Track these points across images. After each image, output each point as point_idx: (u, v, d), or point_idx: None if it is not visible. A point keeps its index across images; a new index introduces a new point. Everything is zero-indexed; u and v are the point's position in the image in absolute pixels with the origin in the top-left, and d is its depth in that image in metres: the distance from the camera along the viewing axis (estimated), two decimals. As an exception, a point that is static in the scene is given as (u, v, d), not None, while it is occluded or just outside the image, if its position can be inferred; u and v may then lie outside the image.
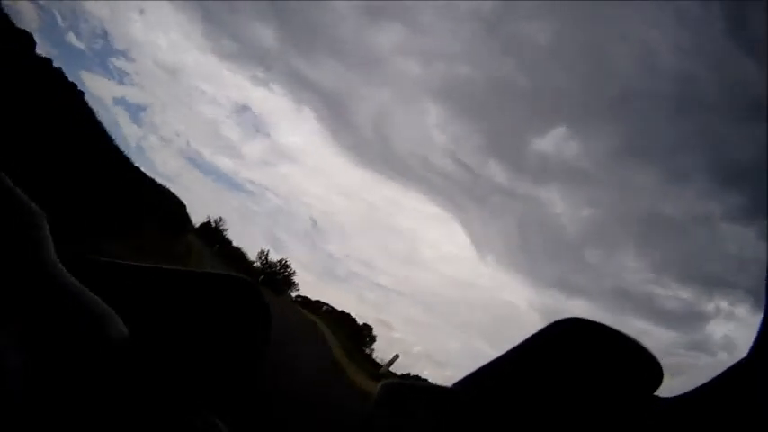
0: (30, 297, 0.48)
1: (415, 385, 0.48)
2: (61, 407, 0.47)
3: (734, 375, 0.46)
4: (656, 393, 0.46)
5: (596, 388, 0.46)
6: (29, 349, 0.47)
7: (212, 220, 39.50)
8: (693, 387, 0.47)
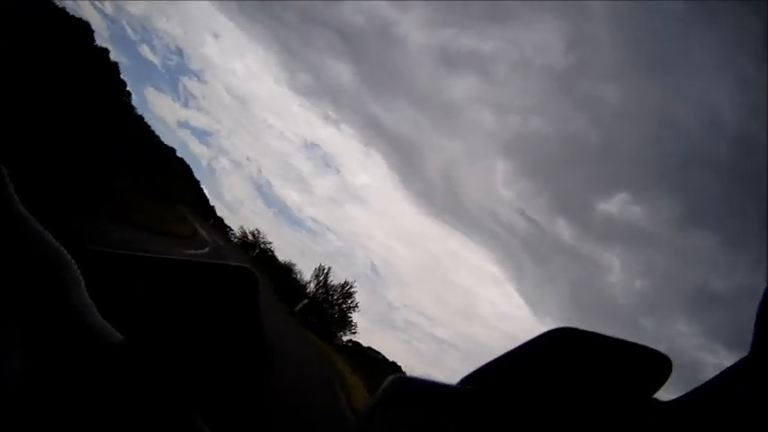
0: (30, 297, 0.48)
1: (421, 381, 0.48)
2: (59, 407, 0.47)
3: (733, 375, 0.46)
4: (655, 396, 0.46)
5: (592, 391, 0.46)
6: (29, 349, 0.47)
7: (248, 232, 39.23)
8: (693, 388, 0.47)
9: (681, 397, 0.47)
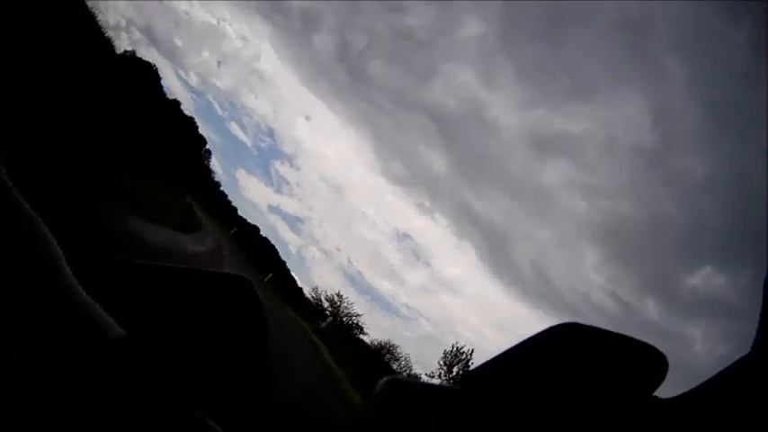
0: (30, 298, 0.48)
1: (415, 382, 0.48)
2: (59, 407, 0.47)
3: (734, 374, 0.46)
4: (657, 393, 0.46)
5: (593, 388, 0.46)
6: (29, 349, 0.47)
7: (325, 297, 32.69)
8: (695, 385, 0.47)
9: (682, 394, 0.47)
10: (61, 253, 0.51)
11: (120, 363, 0.50)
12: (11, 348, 0.45)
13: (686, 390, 0.47)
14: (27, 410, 0.45)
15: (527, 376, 0.46)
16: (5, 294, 0.47)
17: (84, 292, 0.51)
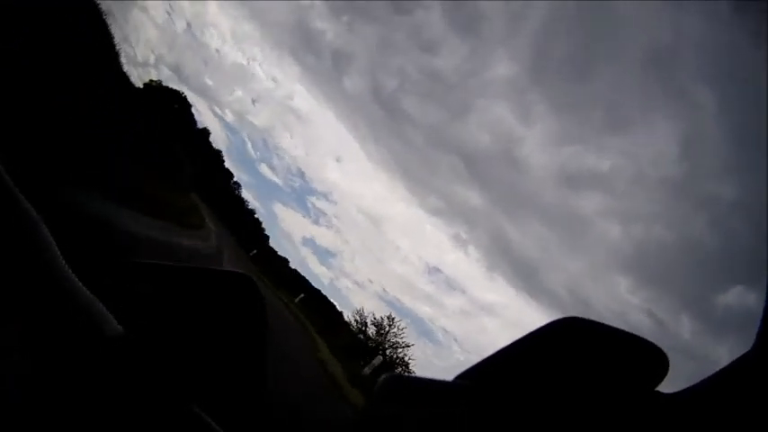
0: (29, 297, 0.48)
1: (416, 378, 0.48)
2: (59, 407, 0.47)
3: (736, 371, 0.46)
4: (659, 389, 0.46)
5: (595, 382, 0.45)
6: (29, 349, 0.47)
7: (372, 321, 29.43)
8: (696, 382, 0.47)
9: (683, 390, 0.47)
10: (59, 252, 0.51)
11: (118, 360, 0.50)
12: (11, 348, 0.45)
13: (687, 386, 0.47)
14: (27, 410, 0.45)
15: (528, 370, 0.46)
16: (5, 294, 0.47)
17: (84, 289, 0.51)
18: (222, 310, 0.64)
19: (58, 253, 0.51)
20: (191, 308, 0.64)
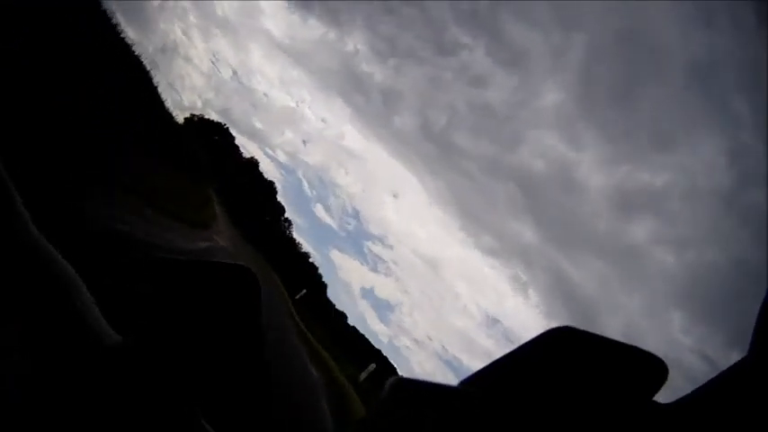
0: (29, 297, 0.48)
1: (421, 382, 0.48)
2: (58, 407, 0.47)
3: (732, 376, 0.46)
4: (655, 399, 0.46)
5: (592, 391, 0.46)
6: (28, 349, 0.47)
7: None
8: (693, 389, 0.47)
9: (680, 399, 0.47)
10: (57, 251, 0.51)
11: (117, 361, 0.50)
12: (11, 348, 0.46)
13: (684, 394, 0.47)
14: (26, 411, 0.45)
15: (527, 378, 0.46)
16: (5, 294, 0.47)
17: (84, 294, 0.51)
18: (219, 305, 0.63)
19: (56, 252, 0.51)
20: (187, 304, 0.63)
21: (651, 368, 0.46)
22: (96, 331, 0.50)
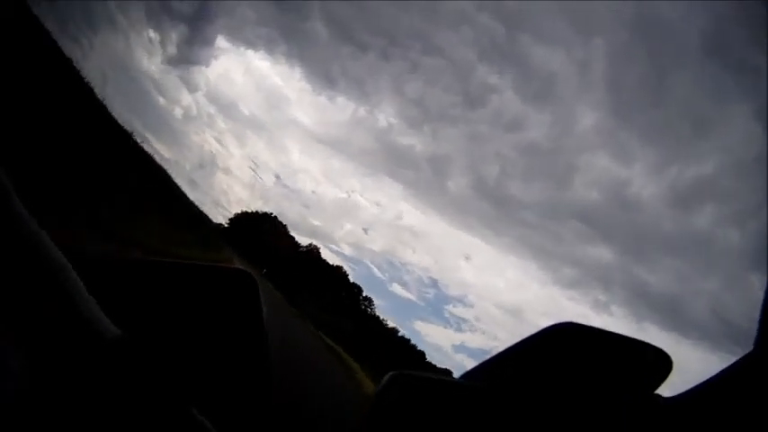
0: (27, 297, 0.48)
1: (421, 376, 0.47)
2: (57, 407, 0.47)
3: (737, 372, 0.46)
4: (659, 392, 0.46)
5: (595, 385, 0.46)
6: (27, 349, 0.47)
7: None
8: (697, 383, 0.47)
9: (684, 393, 0.47)
10: (59, 253, 0.51)
11: (115, 363, 0.50)
12: (10, 348, 0.45)
13: (689, 388, 0.47)
14: (24, 410, 0.45)
15: (530, 372, 0.46)
16: (4, 294, 0.47)
17: (83, 290, 0.51)
18: (218, 308, 0.63)
19: (59, 253, 0.51)
20: (187, 307, 0.63)
21: (654, 361, 0.46)
22: (96, 326, 0.50)
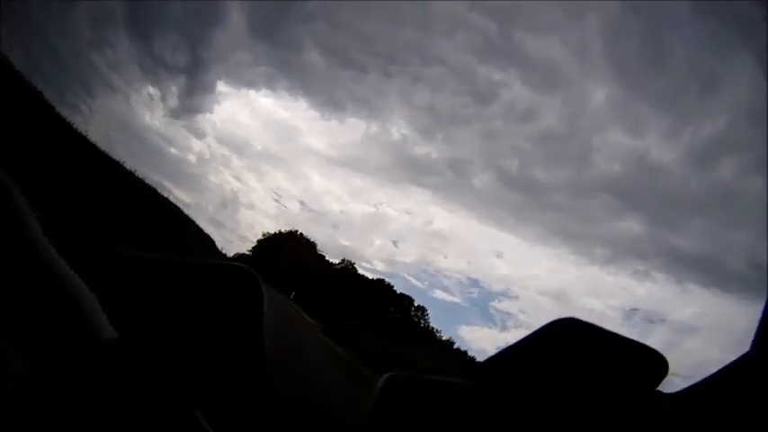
0: (28, 297, 0.48)
1: (419, 377, 0.48)
2: (56, 407, 0.47)
3: (736, 370, 0.46)
4: (659, 389, 0.46)
5: (590, 381, 0.46)
6: (27, 349, 0.46)
7: None
8: (696, 381, 0.48)
9: (682, 390, 0.47)
10: (56, 251, 0.50)
11: (116, 361, 0.50)
12: (10, 348, 0.45)
13: (688, 386, 0.48)
14: (22, 410, 0.45)
15: (530, 369, 0.46)
16: (4, 294, 0.46)
17: (83, 289, 0.51)
18: (218, 305, 0.63)
19: (55, 252, 0.50)
20: (187, 304, 0.63)
21: (651, 363, 0.46)
22: (96, 326, 0.50)
